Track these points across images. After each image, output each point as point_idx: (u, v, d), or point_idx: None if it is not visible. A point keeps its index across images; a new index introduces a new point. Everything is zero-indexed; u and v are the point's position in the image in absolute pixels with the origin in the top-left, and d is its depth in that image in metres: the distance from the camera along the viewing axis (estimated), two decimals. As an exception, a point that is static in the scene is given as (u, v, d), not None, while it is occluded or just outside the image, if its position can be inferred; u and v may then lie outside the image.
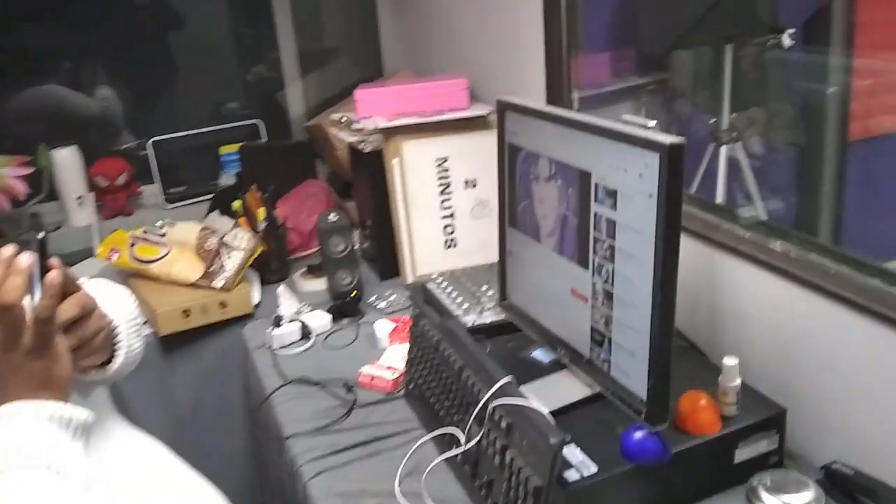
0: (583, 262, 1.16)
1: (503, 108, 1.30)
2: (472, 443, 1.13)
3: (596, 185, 1.09)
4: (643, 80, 2.06)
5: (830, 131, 2.24)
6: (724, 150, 2.08)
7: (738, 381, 1.15)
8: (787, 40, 1.91)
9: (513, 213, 1.35)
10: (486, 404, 1.10)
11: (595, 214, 1.11)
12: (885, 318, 1.07)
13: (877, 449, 1.11)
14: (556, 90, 1.68)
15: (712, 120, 2.21)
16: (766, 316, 1.26)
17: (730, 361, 1.15)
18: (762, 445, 1.16)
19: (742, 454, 1.15)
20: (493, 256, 1.83)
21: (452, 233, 1.85)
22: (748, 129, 2.19)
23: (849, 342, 1.13)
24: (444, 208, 1.84)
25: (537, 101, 1.74)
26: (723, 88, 2.10)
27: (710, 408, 1.14)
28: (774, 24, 1.99)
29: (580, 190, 1.13)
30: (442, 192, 1.83)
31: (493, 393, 1.10)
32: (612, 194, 1.06)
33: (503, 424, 1.07)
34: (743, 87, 2.14)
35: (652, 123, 1.12)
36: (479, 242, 1.85)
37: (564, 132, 1.15)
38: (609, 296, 1.11)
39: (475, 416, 1.12)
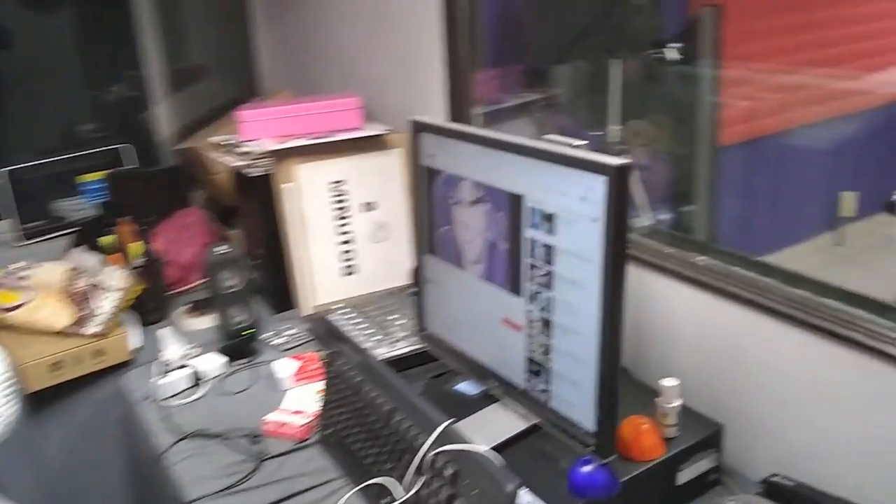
0: (515, 289, 1.10)
1: (418, 129, 1.22)
2: (411, 493, 1.03)
3: (531, 210, 1.03)
4: (536, 96, 2.04)
5: (706, 139, 2.31)
6: (614, 162, 2.10)
7: (678, 402, 1.12)
8: (671, 53, 1.94)
9: (430, 239, 1.27)
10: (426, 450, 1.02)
11: (529, 239, 1.05)
12: (816, 327, 1.08)
13: (813, 460, 1.12)
14: (459, 107, 1.63)
15: (598, 133, 2.23)
16: (693, 331, 1.25)
17: (669, 382, 1.12)
18: (703, 465, 1.14)
19: (685, 475, 1.12)
20: (396, 281, 1.76)
21: (351, 259, 1.75)
22: (633, 140, 2.23)
23: (780, 353, 1.13)
24: (342, 233, 1.74)
25: (437, 117, 1.67)
26: (610, 102, 2.11)
27: (652, 431, 1.10)
28: (658, 37, 2.03)
29: (511, 214, 1.07)
30: (339, 217, 1.73)
31: (435, 438, 1.01)
32: (549, 218, 1.01)
33: (447, 472, 0.98)
34: (627, 100, 2.17)
35: (579, 143, 1.07)
36: (381, 267, 1.76)
37: (493, 154, 1.08)
38: (547, 324, 1.05)
39: (413, 464, 1.03)
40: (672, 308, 1.27)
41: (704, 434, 1.13)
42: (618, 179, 0.90)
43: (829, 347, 1.06)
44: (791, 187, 3.48)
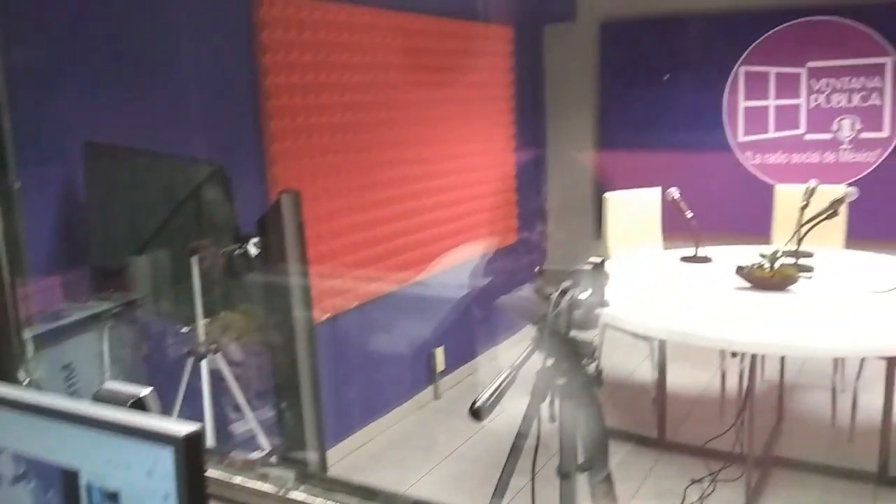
0: (78, 584, 0.88)
1: (-69, 392, 0.96)
2: None
3: (88, 488, 0.85)
4: (109, 305, 1.83)
5: (301, 320, 2.30)
6: (204, 363, 1.95)
7: None
8: (252, 248, 1.91)
9: (-39, 527, 0.99)
10: None
11: (91, 523, 0.85)
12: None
13: None
14: (2, 334, 1.36)
15: (186, 329, 2.08)
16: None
17: None
18: None
19: None
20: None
21: None
22: (224, 334, 2.12)
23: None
24: None
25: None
26: (194, 298, 1.99)
27: None
28: (237, 232, 1.99)
29: (66, 493, 0.87)
30: None
31: None
32: (113, 497, 0.83)
33: None
34: (215, 295, 2.07)
35: (146, 391, 0.93)
36: None
37: (35, 421, 0.88)
38: None
39: None
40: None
41: None
42: (188, 450, 0.77)
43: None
44: (392, 349, 3.67)
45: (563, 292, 1.27)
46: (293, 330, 2.29)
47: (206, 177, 1.91)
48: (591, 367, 1.31)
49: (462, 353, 4.12)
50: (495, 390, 1.18)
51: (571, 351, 1.30)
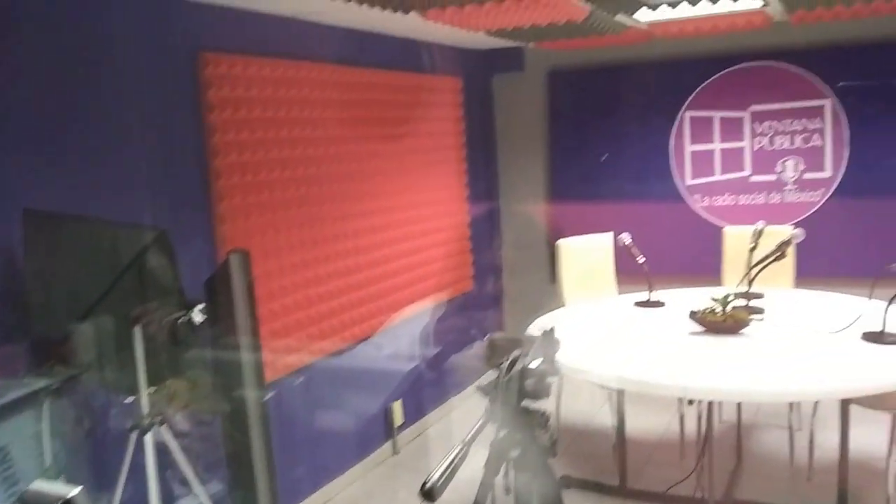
0: None
1: None
2: None
3: None
4: (48, 381, 1.76)
5: (251, 392, 2.24)
6: (149, 437, 1.88)
7: None
8: (197, 316, 1.85)
9: None
10: None
11: None
12: None
13: None
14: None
15: (130, 399, 2.00)
16: None
17: None
18: None
19: None
20: None
21: None
22: (171, 404, 2.05)
23: None
24: None
25: None
26: (137, 368, 1.92)
27: None
28: (182, 298, 1.93)
29: None
30: None
31: None
32: None
33: None
34: (160, 362, 2.00)
35: (75, 491, 0.88)
36: None
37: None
38: None
39: None
40: None
41: None
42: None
43: None
44: (348, 405, 3.61)
45: (514, 362, 1.25)
46: (243, 395, 2.22)
47: (149, 243, 1.86)
48: (545, 437, 1.29)
49: (421, 405, 4.06)
50: (447, 468, 1.14)
51: (524, 421, 1.27)
